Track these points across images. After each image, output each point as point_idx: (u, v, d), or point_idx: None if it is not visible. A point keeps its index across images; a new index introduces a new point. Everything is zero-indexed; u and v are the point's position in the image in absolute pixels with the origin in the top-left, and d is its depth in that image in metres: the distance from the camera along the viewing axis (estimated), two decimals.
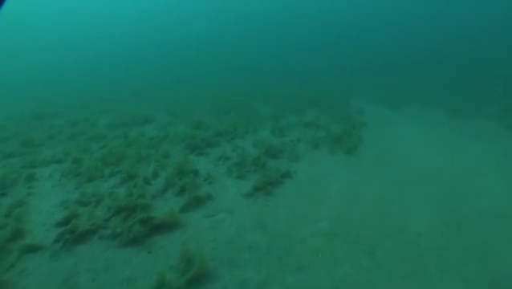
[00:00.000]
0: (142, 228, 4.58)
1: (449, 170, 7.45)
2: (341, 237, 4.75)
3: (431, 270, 4.08)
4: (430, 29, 49.03)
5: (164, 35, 53.67)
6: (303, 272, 4.00)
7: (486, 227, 5.08)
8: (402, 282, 3.87)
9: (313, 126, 10.68)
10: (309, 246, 4.54)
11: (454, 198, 6.08)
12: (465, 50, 36.89)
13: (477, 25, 47.73)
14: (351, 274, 3.99)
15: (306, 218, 5.27)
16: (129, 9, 67.90)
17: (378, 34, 49.13)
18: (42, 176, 6.59)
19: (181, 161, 7.18)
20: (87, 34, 49.43)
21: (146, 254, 4.28)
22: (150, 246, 4.41)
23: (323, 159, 8.15)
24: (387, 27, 52.31)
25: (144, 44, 46.23)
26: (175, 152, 8.02)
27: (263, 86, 20.78)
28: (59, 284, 3.72)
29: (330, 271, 4.03)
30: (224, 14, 64.07)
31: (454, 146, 9.31)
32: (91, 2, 67.31)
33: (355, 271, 4.03)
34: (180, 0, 67.47)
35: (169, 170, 6.84)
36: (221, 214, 5.37)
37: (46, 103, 13.81)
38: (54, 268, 3.97)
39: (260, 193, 6.19)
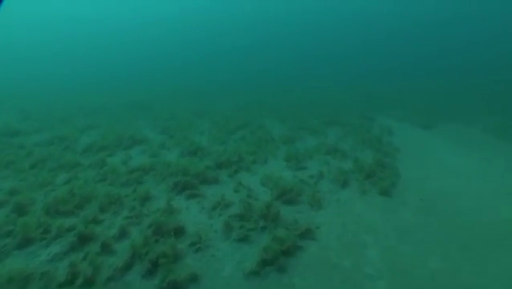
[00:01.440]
0: None
1: None
2: None
3: None
4: (459, 30, 46.19)
5: (165, 43, 52.19)
6: None
7: None
8: None
9: (337, 153, 8.58)
10: None
11: None
12: (504, 56, 34.12)
13: None
14: None
15: None
16: (134, 17, 66.72)
17: (398, 38, 46.67)
18: None
19: (164, 209, 5.20)
20: (88, 43, 48.31)
21: None
22: None
23: (353, 205, 6.08)
24: (408, 30, 49.74)
25: (147, 52, 44.76)
26: (158, 192, 6.03)
27: (273, 98, 18.75)
28: None
29: None
30: (226, 22, 62.44)
31: None
32: (90, 11, 66.34)
33: None
34: (183, 9, 66.01)
35: (143, 226, 4.85)
36: None
37: (29, 116, 12.03)
38: None
39: (269, 269, 4.16)
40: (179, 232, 4.73)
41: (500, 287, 4.03)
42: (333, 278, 4.11)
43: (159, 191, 6.04)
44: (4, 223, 4.65)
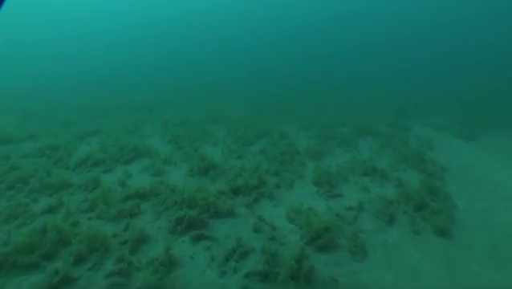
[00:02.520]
0: None
1: None
2: None
3: None
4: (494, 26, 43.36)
5: (176, 41, 50.89)
6: None
7: None
8: None
9: (375, 174, 7.07)
10: None
11: None
12: None
13: None
14: None
15: None
16: (143, 14, 65.35)
17: (423, 37, 44.26)
18: None
19: (161, 261, 3.86)
20: (95, 41, 47.54)
21: None
22: None
23: (406, 252, 4.60)
24: (433, 27, 47.17)
25: (156, 50, 43.64)
26: (157, 230, 4.66)
27: (294, 99, 17.25)
28: None
29: None
30: (238, 20, 60.67)
31: None
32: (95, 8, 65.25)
33: None
34: (195, 7, 64.25)
35: None
36: None
37: (29, 118, 10.92)
38: None
39: None
40: None
41: None
42: None
43: (157, 229, 4.67)
44: None
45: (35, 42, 43.19)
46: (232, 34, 54.01)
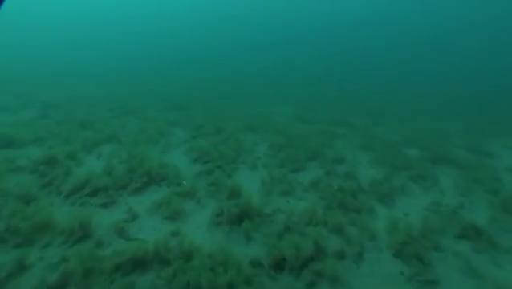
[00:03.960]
0: None
1: None
2: None
3: None
4: None
5: (210, 33, 49.01)
6: None
7: None
8: None
9: (480, 239, 4.75)
10: None
11: None
12: None
13: None
14: None
15: None
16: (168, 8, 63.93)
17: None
18: None
19: None
20: (132, 29, 46.76)
21: None
22: None
23: None
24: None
25: (197, 43, 42.09)
26: None
27: (345, 105, 14.84)
28: None
29: None
30: (269, 13, 57.62)
31: None
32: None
33: None
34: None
35: None
36: None
37: (48, 115, 9.49)
38: None
39: None
40: None
41: None
42: None
43: None
44: None
45: (68, 27, 43.33)
46: (268, 28, 51.52)
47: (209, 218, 4.71)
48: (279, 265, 3.81)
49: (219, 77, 21.86)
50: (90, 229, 4.16)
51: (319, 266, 3.81)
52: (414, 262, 4.12)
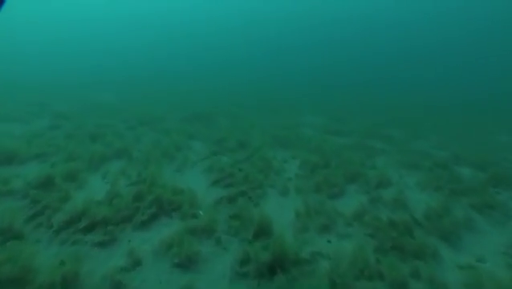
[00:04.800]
0: None
1: None
2: None
3: None
4: None
5: (237, 39, 48.19)
6: None
7: None
8: None
9: None
10: None
11: None
12: None
13: None
14: None
15: None
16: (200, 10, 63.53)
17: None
18: None
19: None
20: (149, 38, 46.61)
21: None
22: None
23: None
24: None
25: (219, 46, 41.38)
26: None
27: (379, 113, 13.49)
28: None
29: None
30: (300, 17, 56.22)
31: None
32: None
33: None
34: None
35: None
36: None
37: (60, 126, 8.76)
38: None
39: None
40: None
41: None
42: None
43: None
44: None
45: (90, 35, 43.68)
46: (296, 32, 50.38)
47: (232, 267, 3.62)
48: None
49: (241, 83, 20.96)
50: (76, 285, 3.15)
51: None
52: None
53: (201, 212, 4.61)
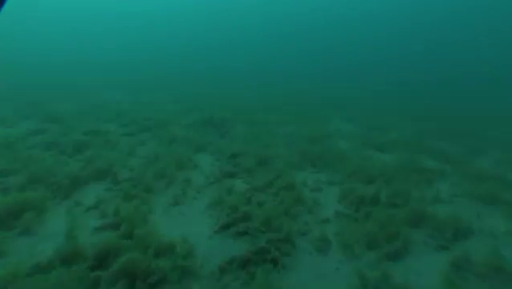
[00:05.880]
0: None
1: None
2: None
3: None
4: None
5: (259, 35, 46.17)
6: None
7: None
8: None
9: None
10: None
11: None
12: None
13: None
14: None
15: None
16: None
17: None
18: None
19: None
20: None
21: None
22: None
23: None
24: None
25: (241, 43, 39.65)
26: None
27: (406, 116, 11.42)
28: None
29: None
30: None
31: None
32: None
33: None
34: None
35: None
36: None
37: (42, 129, 7.24)
38: None
39: None
40: None
41: None
42: None
43: None
44: None
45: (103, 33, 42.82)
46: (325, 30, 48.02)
47: None
48: None
49: (259, 84, 19.21)
50: None
51: None
52: None
53: None
